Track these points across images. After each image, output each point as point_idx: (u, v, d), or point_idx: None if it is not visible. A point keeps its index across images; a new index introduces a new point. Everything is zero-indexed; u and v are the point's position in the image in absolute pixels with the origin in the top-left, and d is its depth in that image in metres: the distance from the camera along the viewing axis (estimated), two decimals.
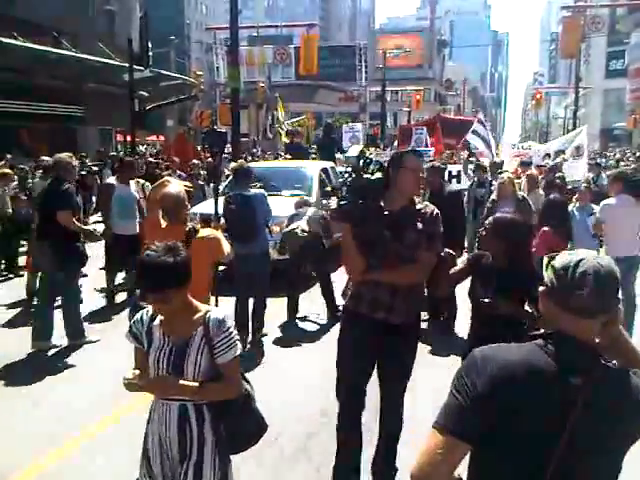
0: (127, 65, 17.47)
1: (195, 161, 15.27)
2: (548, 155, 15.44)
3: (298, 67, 42.93)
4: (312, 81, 45.69)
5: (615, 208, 6.97)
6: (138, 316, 2.84)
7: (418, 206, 3.83)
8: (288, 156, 20.03)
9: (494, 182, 10.56)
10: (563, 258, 1.85)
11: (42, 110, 17.74)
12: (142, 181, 9.19)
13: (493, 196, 8.18)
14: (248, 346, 6.80)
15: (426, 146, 17.51)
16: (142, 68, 18.41)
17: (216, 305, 5.97)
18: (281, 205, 9.07)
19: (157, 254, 2.61)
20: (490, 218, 4.13)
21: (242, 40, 49.54)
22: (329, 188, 10.41)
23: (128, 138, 21.66)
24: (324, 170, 11.87)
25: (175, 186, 4.59)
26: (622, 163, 21.93)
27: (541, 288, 1.89)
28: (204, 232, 4.48)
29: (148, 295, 2.67)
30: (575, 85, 39.03)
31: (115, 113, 20.55)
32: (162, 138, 35.44)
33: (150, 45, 20.36)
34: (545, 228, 7.93)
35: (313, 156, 20.09)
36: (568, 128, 54.57)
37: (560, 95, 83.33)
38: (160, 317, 2.78)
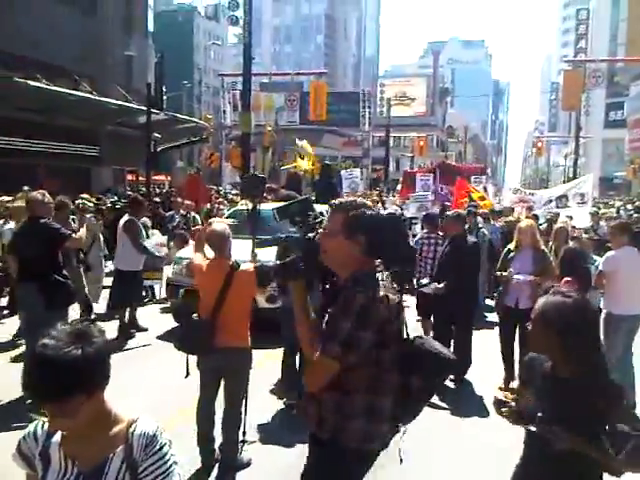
0: (144, 108, 18.15)
1: (208, 205, 15.68)
2: (550, 201, 15.66)
3: (303, 112, 44.13)
4: (317, 126, 46.63)
5: (619, 260, 6.52)
6: (31, 428, 2.03)
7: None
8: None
9: (484, 231, 10.97)
10: None
11: (59, 149, 18.35)
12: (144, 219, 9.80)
13: (511, 245, 7.13)
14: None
15: (429, 191, 18.00)
16: (158, 111, 19.11)
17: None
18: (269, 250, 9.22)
19: (58, 344, 1.80)
20: (540, 302, 2.74)
21: (252, 86, 50.85)
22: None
23: (140, 178, 22.29)
24: (320, 214, 11.88)
25: (220, 224, 5.03)
26: (622, 212, 22.38)
27: None
28: (245, 265, 4.87)
29: (43, 405, 1.85)
30: (576, 135, 39.90)
31: (129, 154, 21.20)
32: (169, 178, 36.24)
33: (164, 89, 21.11)
34: (568, 278, 7.10)
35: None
36: (569, 176, 55.42)
37: (560, 144, 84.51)
38: (60, 433, 1.99)
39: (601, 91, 51.64)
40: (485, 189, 17.70)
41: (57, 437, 1.99)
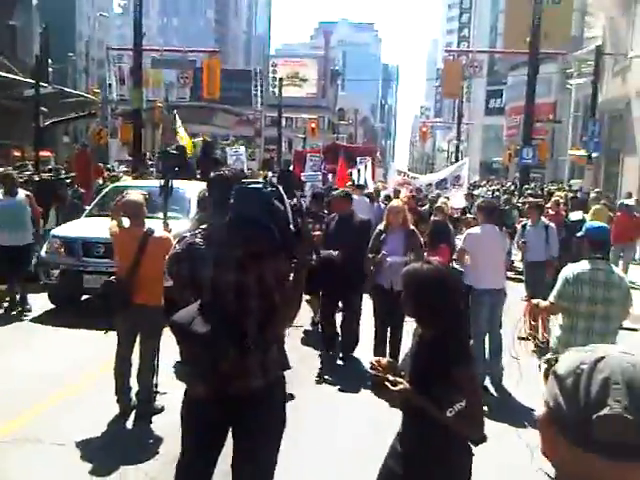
0: (31, 81, 17.52)
1: (100, 181, 15.52)
2: (430, 185, 16.55)
3: (195, 89, 43.55)
4: (208, 103, 46.17)
5: (479, 237, 6.80)
6: None
7: None
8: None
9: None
10: (570, 358, 1.17)
11: None
12: (30, 194, 9.68)
13: (380, 226, 7.14)
14: None
15: (319, 171, 18.64)
16: (45, 85, 18.50)
17: None
18: (156, 227, 9.31)
19: None
20: (409, 268, 3.06)
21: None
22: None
23: (25, 154, 21.49)
24: None
25: (136, 194, 5.40)
26: (497, 193, 24.09)
27: (539, 412, 1.21)
28: (159, 233, 5.34)
29: None
30: (457, 121, 41.99)
31: (13, 128, 20.34)
32: (53, 154, 34.80)
33: (50, 61, 20.42)
34: (442, 245, 8.19)
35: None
36: (452, 160, 58.10)
37: (445, 129, 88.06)
38: None
39: (482, 79, 54.25)
40: (365, 167, 18.31)
41: None
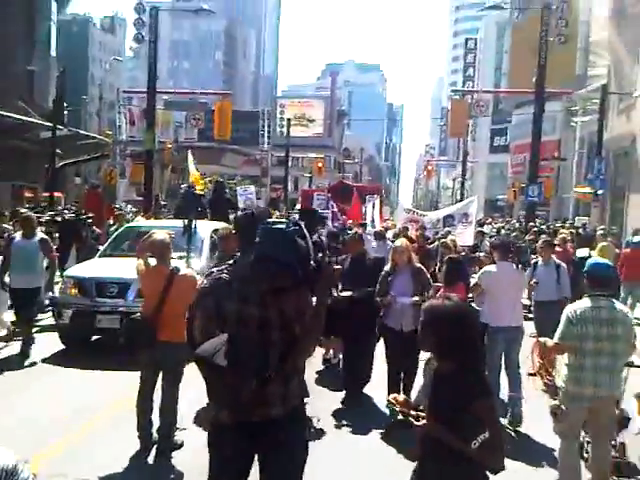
0: (48, 124, 17.99)
1: (111, 221, 15.76)
2: (438, 221, 16.55)
3: (204, 130, 44.25)
4: (216, 144, 46.87)
5: (496, 275, 6.81)
6: None
7: None
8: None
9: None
10: None
11: None
12: (47, 237, 9.69)
13: (386, 267, 7.05)
14: None
15: (326, 209, 18.93)
16: (62, 127, 18.99)
17: None
18: None
19: None
20: (428, 304, 3.16)
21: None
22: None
23: (38, 195, 21.92)
24: (216, 232, 10.77)
25: (162, 233, 5.63)
26: (502, 232, 24.24)
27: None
28: (184, 270, 5.55)
29: None
30: (463, 159, 42.41)
31: (28, 170, 20.78)
32: (59, 194, 35.29)
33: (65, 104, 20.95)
34: (459, 282, 7.59)
35: None
36: (457, 198, 58.41)
37: (449, 167, 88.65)
38: None
39: (487, 118, 54.88)
40: (373, 206, 18.57)
41: None
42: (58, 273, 9.99)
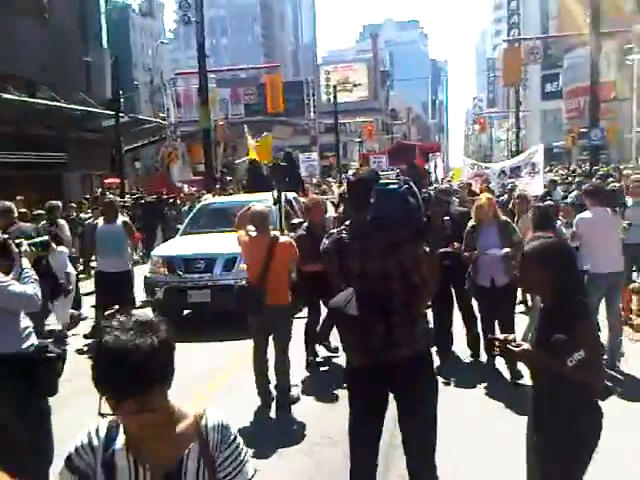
0: (110, 112, 18.59)
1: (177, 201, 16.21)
2: (504, 172, 16.28)
3: (249, 104, 44.56)
4: (264, 116, 47.09)
5: (592, 221, 6.69)
6: (82, 440, 1.84)
7: None
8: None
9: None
10: None
11: (29, 159, 18.58)
12: (128, 220, 9.91)
13: (471, 221, 6.81)
14: None
15: (387, 170, 19.00)
16: (123, 115, 19.57)
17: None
18: None
19: (127, 336, 1.69)
20: (526, 246, 3.28)
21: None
22: (295, 221, 9.40)
23: (105, 180, 22.65)
24: (288, 202, 10.68)
25: (261, 205, 6.09)
26: (569, 179, 23.75)
27: None
28: (283, 238, 5.84)
29: (116, 403, 1.69)
30: (516, 109, 41.55)
31: (94, 158, 21.51)
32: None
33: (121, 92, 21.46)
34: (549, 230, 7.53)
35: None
36: (511, 149, 57.32)
37: (501, 118, 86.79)
38: (123, 437, 1.82)
39: (536, 65, 53.47)
40: (436, 165, 18.56)
41: (120, 442, 1.81)
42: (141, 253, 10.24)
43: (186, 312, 10.35)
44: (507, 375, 6.41)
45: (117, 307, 9.22)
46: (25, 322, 3.79)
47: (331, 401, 6.00)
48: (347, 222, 3.77)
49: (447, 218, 6.79)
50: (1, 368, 3.56)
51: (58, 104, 17.90)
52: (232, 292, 8.80)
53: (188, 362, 7.66)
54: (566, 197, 13.29)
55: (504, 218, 6.87)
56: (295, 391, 6.20)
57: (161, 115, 35.79)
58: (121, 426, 1.82)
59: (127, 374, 1.66)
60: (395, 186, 3.47)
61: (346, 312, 3.36)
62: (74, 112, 18.75)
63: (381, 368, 3.41)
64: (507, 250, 6.37)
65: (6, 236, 3.88)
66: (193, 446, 1.82)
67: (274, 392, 6.03)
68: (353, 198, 3.78)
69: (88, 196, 16.29)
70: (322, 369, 7.27)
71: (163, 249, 10.80)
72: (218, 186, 30.25)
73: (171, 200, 14.93)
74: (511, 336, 3.09)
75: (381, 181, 3.68)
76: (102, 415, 1.74)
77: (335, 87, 49.24)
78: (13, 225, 7.15)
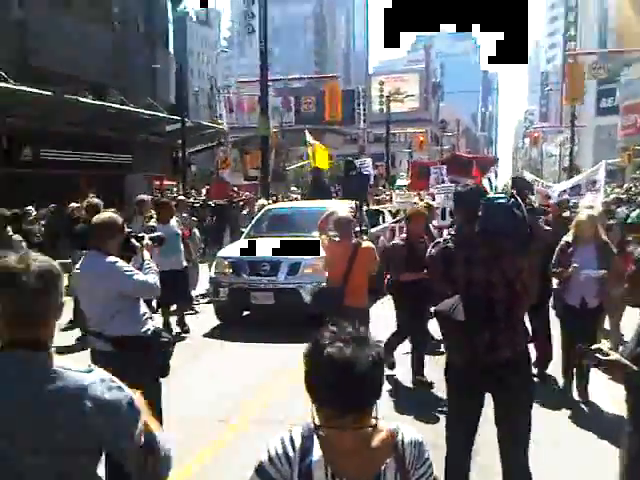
0: (177, 117, 19.31)
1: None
2: (564, 191, 16.26)
3: (300, 113, 45.06)
4: (313, 125, 47.71)
5: None
6: (278, 449, 1.86)
7: None
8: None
9: None
10: None
11: (98, 159, 19.46)
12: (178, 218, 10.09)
13: (567, 237, 6.41)
14: None
15: (442, 183, 18.98)
16: (187, 120, 20.29)
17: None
18: (313, 246, 9.07)
19: (350, 350, 1.72)
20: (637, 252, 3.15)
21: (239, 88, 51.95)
22: (359, 228, 9.39)
23: (164, 182, 23.42)
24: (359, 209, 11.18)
25: (344, 212, 6.32)
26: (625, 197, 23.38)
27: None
28: (365, 244, 6.25)
29: (333, 416, 1.71)
30: (571, 124, 41.10)
31: (156, 160, 22.30)
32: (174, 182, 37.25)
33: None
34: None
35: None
36: (563, 165, 56.59)
37: (555, 133, 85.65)
38: (319, 448, 1.84)
39: (592, 80, 52.80)
40: (489, 180, 18.50)
41: (317, 454, 1.82)
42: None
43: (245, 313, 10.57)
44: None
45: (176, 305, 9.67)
46: (143, 308, 4.16)
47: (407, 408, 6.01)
48: (452, 232, 4.06)
49: (548, 228, 6.90)
50: (122, 349, 3.91)
51: (128, 108, 18.66)
52: (294, 296, 9.33)
53: (254, 361, 7.99)
54: (628, 217, 13.15)
55: (604, 238, 6.42)
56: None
57: (218, 121, 36.66)
58: (315, 437, 1.83)
59: (352, 387, 1.66)
60: (503, 200, 3.76)
61: (454, 317, 3.65)
62: (142, 116, 19.48)
63: (483, 369, 3.67)
64: (604, 272, 6.06)
65: (130, 230, 4.26)
66: (390, 462, 1.82)
67: None
68: (463, 209, 4.05)
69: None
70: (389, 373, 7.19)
71: (228, 251, 11.04)
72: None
73: (241, 204, 15.40)
74: (604, 346, 3.09)
75: (489, 195, 3.99)
76: (316, 427, 1.75)
77: (388, 97, 49.54)
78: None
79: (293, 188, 36.19)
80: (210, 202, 14.32)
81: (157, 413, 4.15)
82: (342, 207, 6.84)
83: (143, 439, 1.89)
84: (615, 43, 57.23)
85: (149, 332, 4.07)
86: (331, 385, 1.68)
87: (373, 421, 1.74)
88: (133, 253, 4.15)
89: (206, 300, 11.24)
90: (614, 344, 7.24)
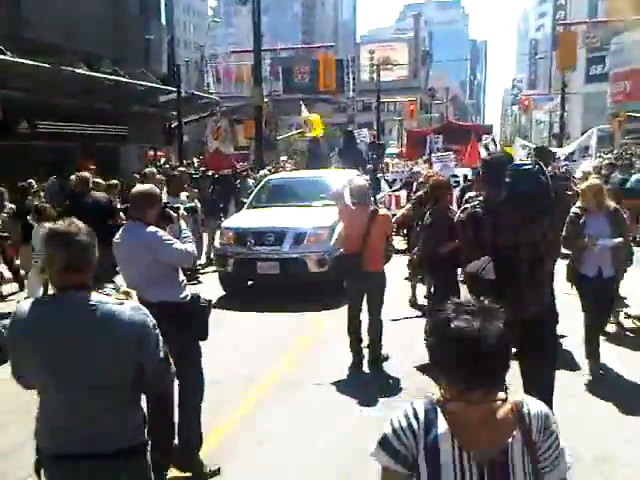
0: (172, 88, 19.22)
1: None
2: (558, 158, 16.43)
3: (288, 82, 44.72)
4: (301, 94, 47.43)
5: None
6: (402, 422, 1.83)
7: None
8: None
9: None
10: None
11: (93, 131, 19.39)
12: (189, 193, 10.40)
13: (575, 209, 6.20)
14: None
15: (437, 151, 19.10)
16: (182, 90, 20.17)
17: None
18: (317, 216, 9.94)
19: (478, 322, 1.73)
20: None
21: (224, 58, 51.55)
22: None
23: (158, 153, 23.34)
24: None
25: (360, 179, 6.71)
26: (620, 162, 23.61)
27: None
28: (382, 210, 6.65)
29: (461, 390, 1.73)
30: (562, 91, 41.14)
31: (150, 132, 22.23)
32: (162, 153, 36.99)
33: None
34: None
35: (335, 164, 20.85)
36: (553, 132, 56.67)
37: (546, 100, 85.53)
38: (444, 421, 1.81)
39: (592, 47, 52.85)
40: (487, 147, 18.63)
41: (442, 427, 1.79)
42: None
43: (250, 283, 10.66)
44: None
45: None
46: (181, 275, 4.31)
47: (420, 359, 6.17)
48: (480, 197, 4.26)
49: (570, 192, 7.20)
50: (165, 315, 4.07)
51: (123, 79, 18.55)
52: (299, 265, 9.47)
53: (267, 328, 8.16)
54: (625, 181, 13.36)
55: (614, 205, 6.25)
56: (384, 350, 6.64)
57: (210, 92, 36.40)
58: (438, 410, 1.82)
59: (483, 363, 1.67)
60: (529, 166, 3.96)
61: (483, 276, 3.87)
62: (137, 87, 19.37)
63: (512, 323, 3.88)
64: (620, 240, 5.97)
65: (166, 200, 4.41)
66: (516, 434, 1.79)
67: (365, 349, 6.53)
68: (491, 175, 4.22)
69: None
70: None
71: (233, 221, 11.03)
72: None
73: (244, 173, 15.45)
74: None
75: (516, 162, 4.20)
76: (444, 401, 1.77)
77: (379, 66, 49.26)
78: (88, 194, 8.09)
79: (283, 158, 36.12)
80: (208, 173, 14.34)
81: (198, 372, 4.36)
82: (355, 176, 7.03)
83: (162, 354, 2.55)
84: (606, 12, 57.07)
85: (187, 298, 4.24)
86: (460, 361, 1.68)
87: (502, 394, 1.77)
88: (170, 222, 4.29)
89: (212, 269, 11.32)
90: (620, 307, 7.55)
